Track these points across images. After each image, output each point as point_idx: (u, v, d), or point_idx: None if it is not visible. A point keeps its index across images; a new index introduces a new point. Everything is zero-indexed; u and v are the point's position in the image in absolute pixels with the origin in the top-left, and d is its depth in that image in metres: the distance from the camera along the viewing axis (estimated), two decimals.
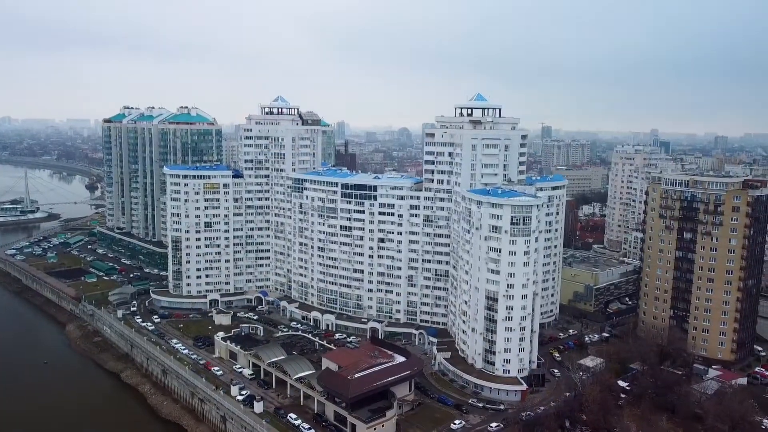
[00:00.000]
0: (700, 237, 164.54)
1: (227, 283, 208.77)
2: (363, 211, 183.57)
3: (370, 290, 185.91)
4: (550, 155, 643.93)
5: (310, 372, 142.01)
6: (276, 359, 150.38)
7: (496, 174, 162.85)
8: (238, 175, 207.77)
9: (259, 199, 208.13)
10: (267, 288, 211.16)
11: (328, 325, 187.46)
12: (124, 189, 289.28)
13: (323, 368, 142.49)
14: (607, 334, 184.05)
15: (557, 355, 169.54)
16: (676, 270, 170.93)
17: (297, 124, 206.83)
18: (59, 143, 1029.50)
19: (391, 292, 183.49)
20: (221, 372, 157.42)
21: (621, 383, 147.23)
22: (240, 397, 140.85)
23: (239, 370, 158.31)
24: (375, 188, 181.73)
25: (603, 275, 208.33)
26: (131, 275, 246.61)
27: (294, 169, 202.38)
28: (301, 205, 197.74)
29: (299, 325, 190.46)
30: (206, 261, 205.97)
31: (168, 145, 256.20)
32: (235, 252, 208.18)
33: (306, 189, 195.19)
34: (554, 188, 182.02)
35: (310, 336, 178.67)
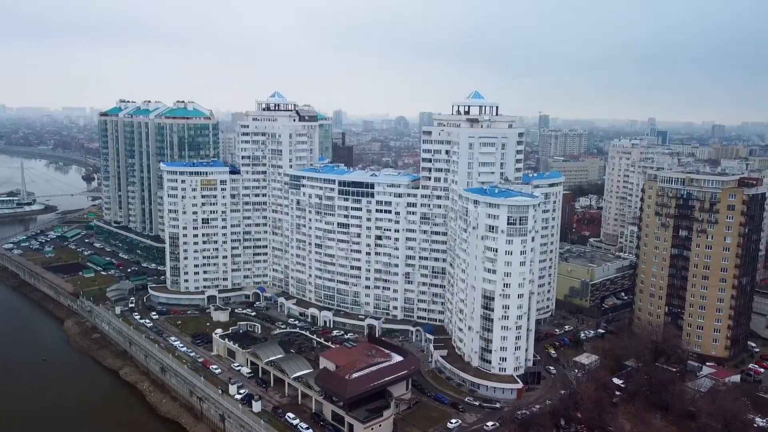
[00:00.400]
0: (696, 235, 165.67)
1: (225, 279, 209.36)
2: (360, 209, 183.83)
3: (368, 287, 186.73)
4: (548, 145, 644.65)
5: (308, 371, 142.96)
6: (274, 358, 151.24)
7: (493, 172, 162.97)
8: (235, 171, 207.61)
9: (257, 195, 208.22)
10: (264, 284, 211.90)
11: (325, 322, 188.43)
12: (120, 183, 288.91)
13: (321, 367, 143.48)
14: (602, 330, 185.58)
15: (553, 351, 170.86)
16: (671, 267, 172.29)
17: (294, 120, 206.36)
18: (55, 132, 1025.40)
19: (389, 289, 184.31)
20: (219, 370, 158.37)
21: (616, 381, 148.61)
22: (238, 396, 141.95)
23: (237, 368, 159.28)
24: (372, 186, 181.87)
25: (599, 271, 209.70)
26: (129, 270, 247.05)
27: (291, 166, 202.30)
28: (298, 202, 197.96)
29: (297, 322, 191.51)
30: (204, 257, 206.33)
31: (165, 139, 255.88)
32: (232, 248, 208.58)
33: (303, 186, 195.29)
34: (551, 185, 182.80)
35: (307, 333, 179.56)
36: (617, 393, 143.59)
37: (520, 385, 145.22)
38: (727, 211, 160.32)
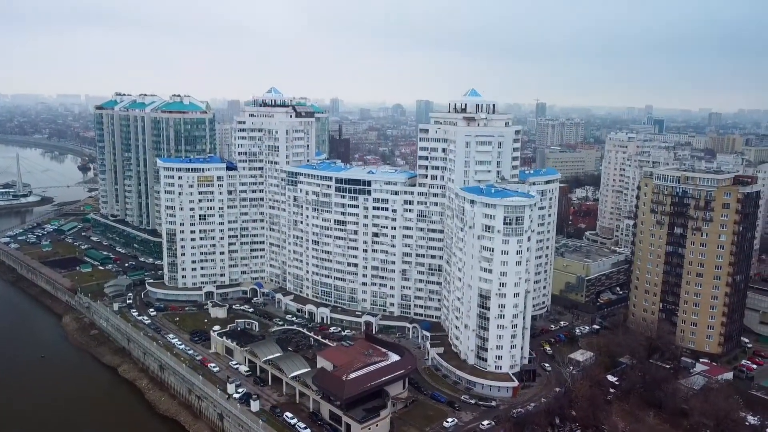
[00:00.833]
0: (691, 232, 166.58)
1: (222, 275, 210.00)
2: (357, 206, 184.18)
3: (365, 284, 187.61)
4: (545, 134, 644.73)
5: (306, 370, 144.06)
6: (271, 356, 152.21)
7: (489, 171, 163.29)
8: (231, 167, 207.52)
9: (254, 191, 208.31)
10: (262, 280, 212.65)
11: (323, 318, 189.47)
12: (117, 176, 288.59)
13: (318, 367, 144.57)
14: (597, 326, 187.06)
15: (548, 348, 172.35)
16: (666, 264, 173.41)
17: (291, 116, 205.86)
18: (50, 120, 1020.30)
19: (385, 285, 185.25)
20: (218, 368, 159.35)
21: (610, 378, 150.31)
22: (237, 395, 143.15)
23: (235, 366, 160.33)
24: (369, 183, 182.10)
25: (594, 266, 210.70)
26: (126, 264, 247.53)
27: (288, 162, 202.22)
28: (295, 199, 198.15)
29: (294, 318, 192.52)
30: (201, 253, 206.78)
31: (161, 133, 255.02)
32: (230, 244, 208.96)
33: (300, 182, 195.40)
34: (547, 182, 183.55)
35: (305, 331, 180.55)
36: (611, 390, 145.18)
37: (516, 383, 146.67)
38: (722, 209, 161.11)
